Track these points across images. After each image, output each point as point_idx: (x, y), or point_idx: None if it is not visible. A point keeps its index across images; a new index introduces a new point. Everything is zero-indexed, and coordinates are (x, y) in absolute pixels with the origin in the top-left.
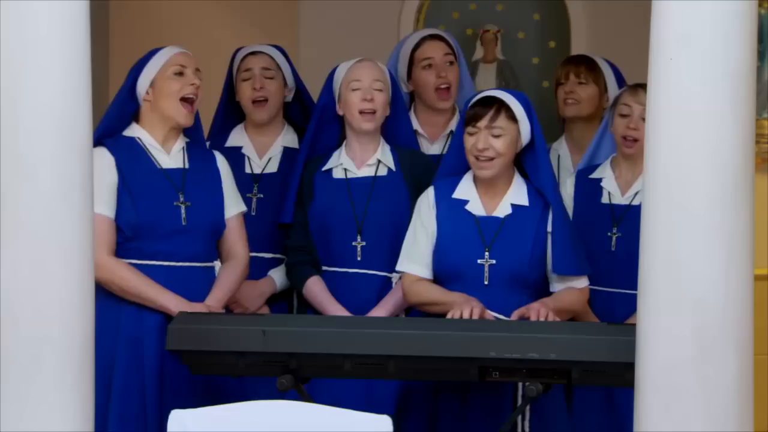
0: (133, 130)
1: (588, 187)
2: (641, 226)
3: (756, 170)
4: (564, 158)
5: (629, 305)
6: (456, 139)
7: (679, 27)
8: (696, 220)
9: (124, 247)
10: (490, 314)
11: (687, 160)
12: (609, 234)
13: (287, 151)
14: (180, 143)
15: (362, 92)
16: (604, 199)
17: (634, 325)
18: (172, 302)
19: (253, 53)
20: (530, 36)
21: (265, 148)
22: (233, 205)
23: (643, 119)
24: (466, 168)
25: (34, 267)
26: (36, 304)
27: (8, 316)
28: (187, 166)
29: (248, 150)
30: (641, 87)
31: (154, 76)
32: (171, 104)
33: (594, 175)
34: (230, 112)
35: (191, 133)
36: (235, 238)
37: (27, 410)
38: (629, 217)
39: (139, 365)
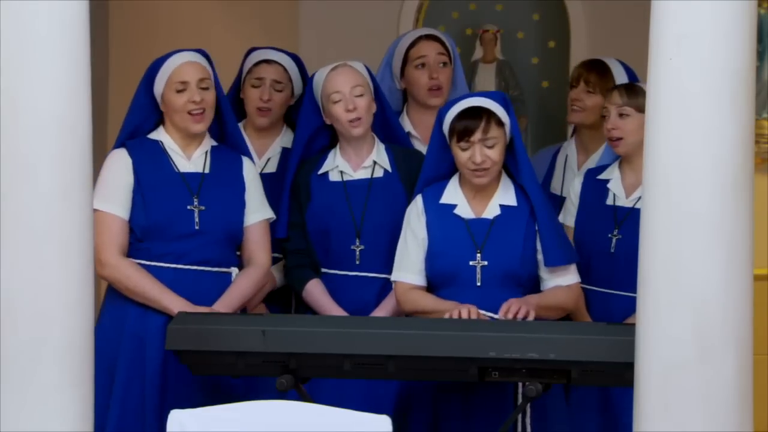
0: (159, 134)
1: (595, 187)
2: (641, 226)
3: (755, 170)
4: (571, 158)
5: (626, 307)
6: (432, 147)
7: (679, 27)
8: (696, 220)
9: (135, 248)
10: (485, 316)
11: (686, 160)
12: (609, 235)
13: (285, 152)
14: (203, 147)
15: (344, 103)
16: (609, 201)
17: (633, 325)
18: (176, 304)
19: (267, 61)
20: (530, 36)
21: (264, 149)
22: (256, 212)
23: (620, 115)
24: (449, 171)
25: (34, 267)
26: (36, 304)
27: (8, 316)
28: (207, 170)
29: None
30: (617, 87)
31: (162, 90)
32: (180, 117)
33: (602, 176)
34: (235, 111)
35: (225, 137)
36: (256, 245)
37: (26, 410)
38: (631, 219)
39: (141, 364)
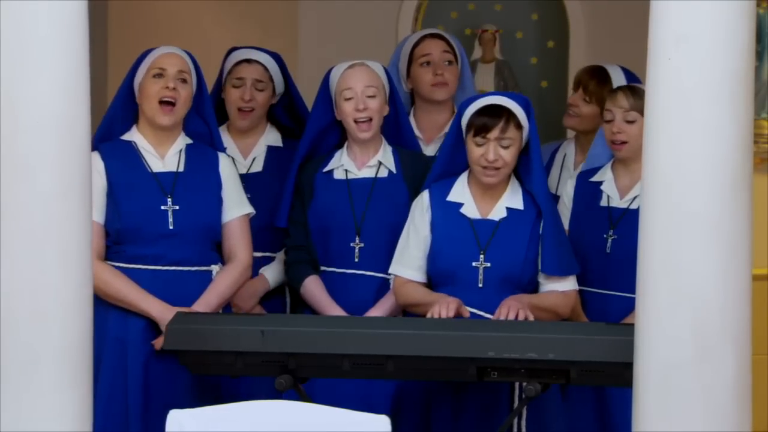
0: (132, 134)
1: (588, 189)
2: (639, 226)
3: (755, 170)
4: (568, 159)
5: (622, 307)
6: (448, 142)
7: (678, 27)
8: (694, 220)
9: (112, 251)
10: (467, 312)
11: (685, 160)
12: (605, 236)
13: (271, 150)
14: (177, 146)
15: (355, 101)
16: (603, 202)
17: (632, 325)
18: (155, 307)
19: (247, 61)
20: (529, 36)
21: (248, 149)
22: (234, 208)
23: (626, 121)
24: (459, 170)
25: (33, 267)
26: (35, 304)
27: (7, 316)
28: (181, 169)
29: (232, 151)
30: (621, 90)
31: (141, 79)
32: (150, 106)
33: (595, 178)
34: (218, 112)
35: (200, 133)
36: (236, 241)
37: (25, 411)
38: (626, 220)
39: (123, 367)
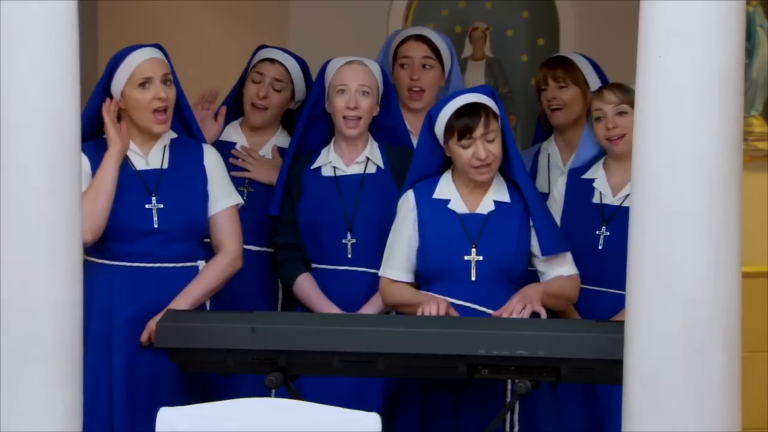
0: None
1: (580, 186)
2: (630, 223)
3: (744, 168)
4: (554, 157)
5: (615, 304)
6: (421, 148)
7: (668, 24)
8: (684, 218)
9: (96, 248)
10: (456, 314)
11: (675, 157)
12: (597, 233)
13: (280, 151)
14: (161, 143)
15: (347, 98)
16: (595, 199)
17: (623, 323)
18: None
19: (270, 60)
20: (519, 34)
21: (258, 146)
22: (222, 199)
23: (618, 113)
24: (436, 171)
25: (23, 265)
26: (25, 302)
27: None
28: (165, 166)
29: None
30: (605, 88)
31: (122, 88)
32: (143, 116)
33: (586, 175)
34: (235, 106)
35: (182, 127)
36: (224, 233)
37: (15, 409)
38: (619, 217)
39: (108, 364)
